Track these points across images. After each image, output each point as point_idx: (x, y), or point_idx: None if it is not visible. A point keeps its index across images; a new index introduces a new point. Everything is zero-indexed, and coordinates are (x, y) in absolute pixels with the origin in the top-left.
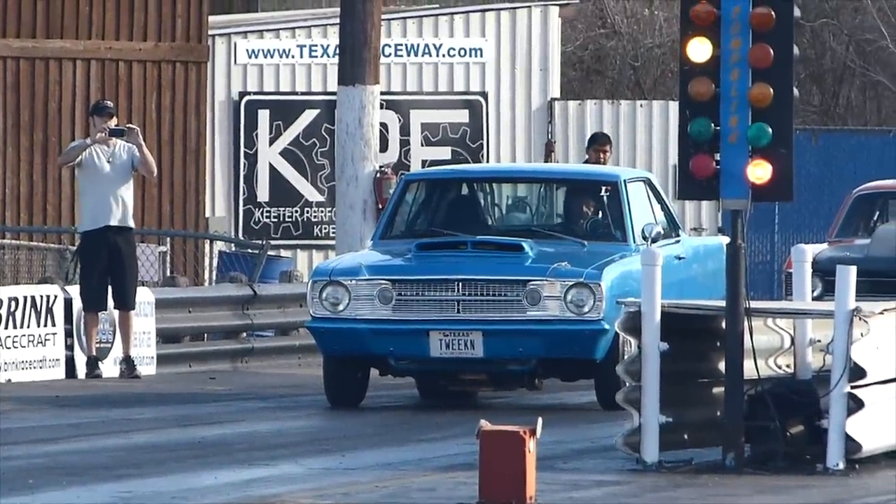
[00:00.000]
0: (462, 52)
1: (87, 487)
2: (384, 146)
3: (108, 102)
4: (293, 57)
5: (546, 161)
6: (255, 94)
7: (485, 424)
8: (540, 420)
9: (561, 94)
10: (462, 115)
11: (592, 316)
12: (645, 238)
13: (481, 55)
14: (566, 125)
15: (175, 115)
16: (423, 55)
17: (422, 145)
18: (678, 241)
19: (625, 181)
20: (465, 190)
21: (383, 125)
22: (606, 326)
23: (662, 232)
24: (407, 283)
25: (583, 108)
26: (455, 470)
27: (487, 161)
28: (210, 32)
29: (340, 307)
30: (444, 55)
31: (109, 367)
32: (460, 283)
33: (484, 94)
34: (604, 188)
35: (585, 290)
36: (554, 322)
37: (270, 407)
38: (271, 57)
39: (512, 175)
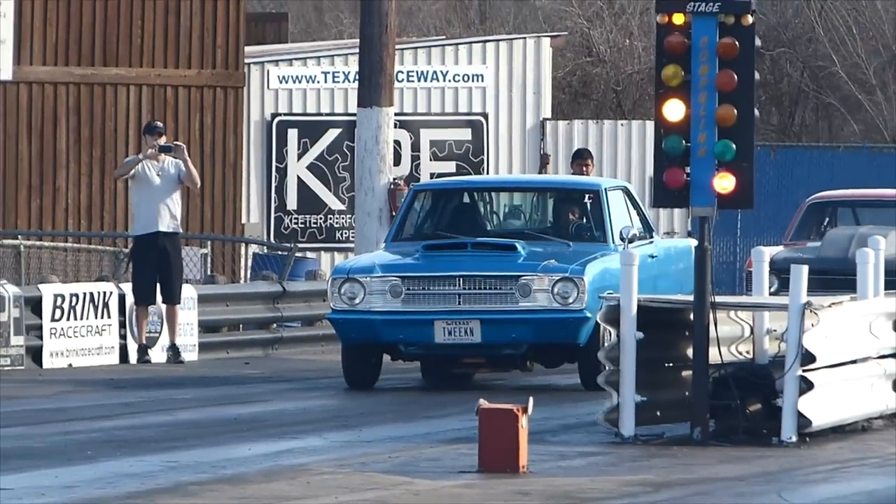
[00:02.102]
0: (465, 78)
1: (138, 458)
2: (397, 161)
3: (158, 122)
4: (319, 82)
5: (541, 171)
6: (285, 115)
7: (483, 403)
8: (531, 399)
9: (552, 115)
10: (465, 133)
11: (576, 306)
12: (623, 239)
13: (482, 80)
14: (556, 142)
15: (215, 134)
16: (431, 80)
17: (430, 160)
18: (652, 243)
19: (605, 189)
20: (466, 198)
21: (397, 142)
22: (589, 315)
23: (638, 234)
24: (415, 279)
25: (571, 127)
26: (458, 443)
27: (487, 173)
28: (246, 61)
29: (357, 301)
30: (449, 80)
31: (157, 354)
32: (461, 279)
33: (484, 115)
34: (587, 195)
35: (570, 283)
36: (543, 312)
37: (297, 388)
38: (299, 82)
39: (507, 185)
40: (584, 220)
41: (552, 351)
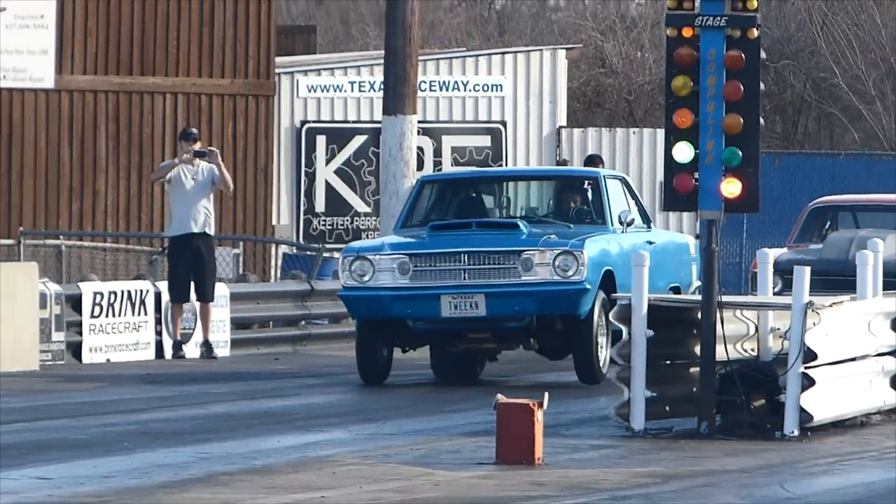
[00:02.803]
0: (485, 88)
1: (173, 449)
2: (420, 166)
3: (193, 129)
4: (345, 91)
5: None
6: (313, 122)
7: (501, 398)
8: (546, 395)
9: (567, 123)
10: (485, 140)
11: (576, 278)
12: (621, 223)
13: (501, 90)
14: (572, 149)
15: (247, 140)
16: (452, 90)
17: (451, 165)
18: (650, 231)
19: (604, 177)
20: (471, 188)
21: (420, 148)
22: (588, 287)
23: (636, 219)
24: (422, 256)
25: (585, 134)
26: (476, 436)
27: None
28: (276, 71)
29: (366, 278)
30: (470, 90)
31: (191, 350)
32: (466, 255)
33: (503, 123)
34: (586, 182)
35: (570, 256)
36: (544, 284)
37: (323, 383)
38: (327, 91)
39: (511, 175)
40: (584, 205)
41: (554, 324)
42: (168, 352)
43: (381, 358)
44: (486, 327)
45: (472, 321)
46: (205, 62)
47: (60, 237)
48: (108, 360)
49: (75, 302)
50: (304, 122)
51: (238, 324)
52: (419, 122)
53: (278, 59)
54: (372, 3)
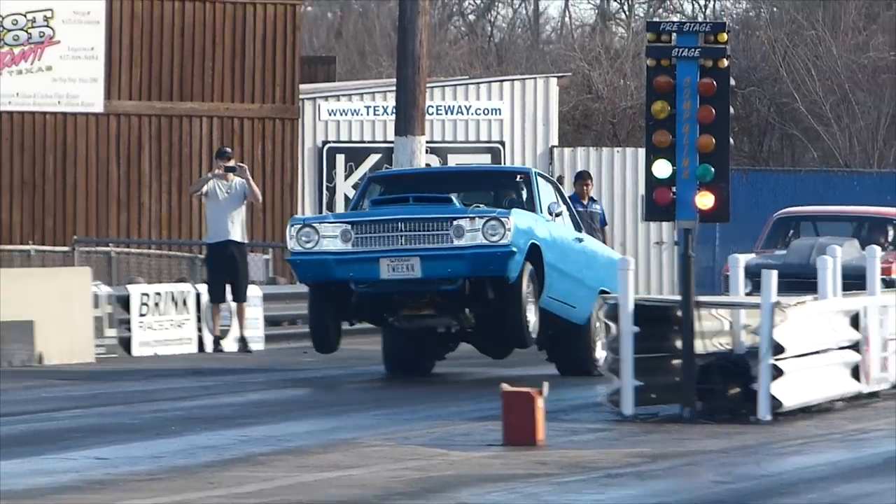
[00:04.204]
0: (485, 112)
1: (215, 433)
2: None
3: (228, 148)
4: (362, 114)
5: None
6: (334, 142)
7: (505, 386)
8: (546, 384)
9: (559, 143)
10: (486, 158)
11: (503, 242)
12: (551, 213)
13: (500, 114)
14: (563, 165)
15: (275, 158)
16: (457, 113)
17: None
18: (581, 233)
19: (535, 173)
20: (413, 184)
21: (428, 165)
22: (514, 250)
23: (563, 213)
24: (362, 223)
25: (575, 153)
26: (484, 420)
27: None
28: (300, 96)
29: (310, 244)
30: (472, 113)
31: (229, 345)
32: (403, 222)
33: (502, 143)
34: (519, 176)
35: (497, 222)
36: (474, 248)
37: (348, 374)
38: (346, 115)
39: (450, 171)
40: (517, 196)
41: (486, 291)
42: (208, 346)
43: (331, 327)
44: (422, 290)
45: (408, 283)
46: (237, 89)
47: (110, 245)
48: (156, 353)
49: (124, 302)
50: (325, 142)
51: (270, 321)
52: (427, 142)
53: (302, 87)
54: (385, 37)
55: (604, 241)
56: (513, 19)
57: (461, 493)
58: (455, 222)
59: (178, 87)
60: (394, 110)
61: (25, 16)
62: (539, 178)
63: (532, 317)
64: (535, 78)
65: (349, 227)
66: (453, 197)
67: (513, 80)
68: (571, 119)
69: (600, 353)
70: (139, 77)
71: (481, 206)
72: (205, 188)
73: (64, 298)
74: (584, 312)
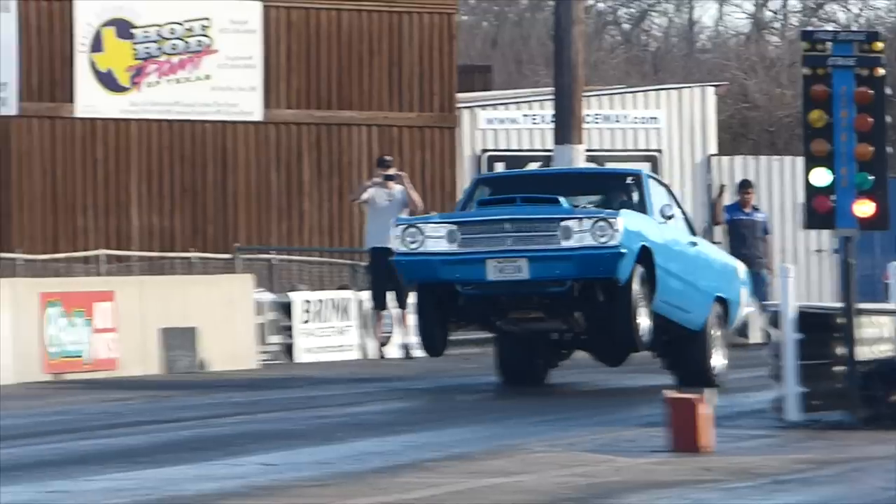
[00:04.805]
0: (643, 120)
1: (382, 438)
2: None
3: (388, 157)
4: (519, 123)
5: (717, 199)
6: (493, 150)
7: (668, 393)
8: (710, 391)
9: (717, 151)
10: (644, 166)
11: (612, 243)
12: (663, 215)
13: (657, 122)
14: (721, 174)
15: (434, 167)
16: (614, 122)
17: None
18: (695, 237)
19: (647, 176)
20: (522, 186)
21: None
22: (624, 251)
23: (676, 216)
24: (468, 224)
25: (733, 162)
26: (648, 427)
27: None
28: (458, 105)
29: (416, 245)
30: (630, 122)
31: (392, 351)
32: (509, 223)
33: (659, 151)
34: (629, 178)
35: (605, 223)
36: (582, 249)
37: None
38: (503, 123)
39: (559, 173)
40: (628, 199)
41: (596, 294)
42: (371, 353)
43: (437, 330)
44: (530, 292)
45: (516, 284)
46: (395, 98)
47: (271, 252)
48: (318, 360)
49: (286, 309)
50: (484, 151)
51: None
52: (586, 150)
53: (459, 95)
54: (542, 46)
55: (766, 250)
56: (668, 28)
57: (630, 499)
58: (563, 223)
59: (336, 95)
60: (551, 119)
61: (183, 24)
62: (651, 180)
63: (644, 320)
64: (692, 87)
65: (455, 227)
66: (561, 198)
67: (669, 88)
68: (728, 128)
69: (717, 361)
70: (297, 86)
71: (590, 206)
72: (365, 195)
73: (226, 305)
74: (699, 318)
